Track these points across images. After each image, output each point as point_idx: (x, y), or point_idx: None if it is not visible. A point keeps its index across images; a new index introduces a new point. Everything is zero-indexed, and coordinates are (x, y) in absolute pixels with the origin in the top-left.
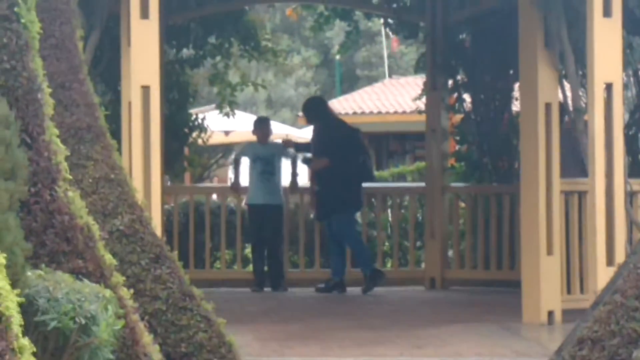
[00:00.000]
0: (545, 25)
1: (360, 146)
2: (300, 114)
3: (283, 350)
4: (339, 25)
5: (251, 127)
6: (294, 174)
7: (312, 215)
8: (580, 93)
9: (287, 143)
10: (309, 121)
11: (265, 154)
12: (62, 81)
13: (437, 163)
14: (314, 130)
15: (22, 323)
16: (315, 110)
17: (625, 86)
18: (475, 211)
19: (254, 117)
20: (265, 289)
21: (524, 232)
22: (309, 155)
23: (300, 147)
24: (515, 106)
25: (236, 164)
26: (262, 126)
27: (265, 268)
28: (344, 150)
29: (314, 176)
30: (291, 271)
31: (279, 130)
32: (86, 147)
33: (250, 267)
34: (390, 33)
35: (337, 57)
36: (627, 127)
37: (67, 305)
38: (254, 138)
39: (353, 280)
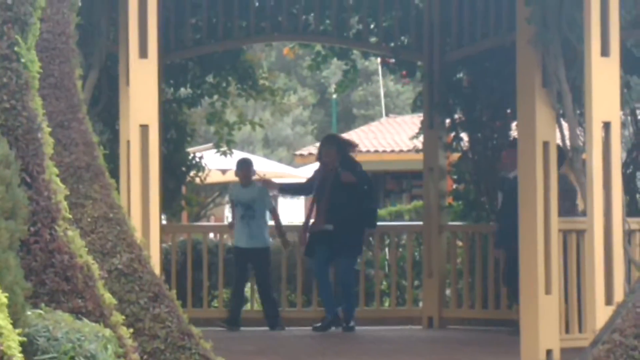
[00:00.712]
0: (543, 65)
1: (373, 192)
2: (298, 152)
3: None
4: (335, 64)
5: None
6: (280, 232)
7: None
8: (578, 132)
9: (268, 184)
10: (330, 157)
11: (245, 198)
12: (61, 120)
13: (434, 202)
14: (327, 169)
15: None
16: (342, 149)
17: (623, 125)
18: (473, 250)
19: (251, 156)
20: (262, 328)
21: (522, 271)
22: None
23: (285, 188)
24: None
25: (232, 203)
26: (242, 168)
27: (243, 307)
28: (362, 195)
29: (322, 215)
30: (288, 310)
31: (276, 170)
32: (85, 186)
33: (249, 306)
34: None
35: (334, 96)
36: (624, 166)
37: (67, 345)
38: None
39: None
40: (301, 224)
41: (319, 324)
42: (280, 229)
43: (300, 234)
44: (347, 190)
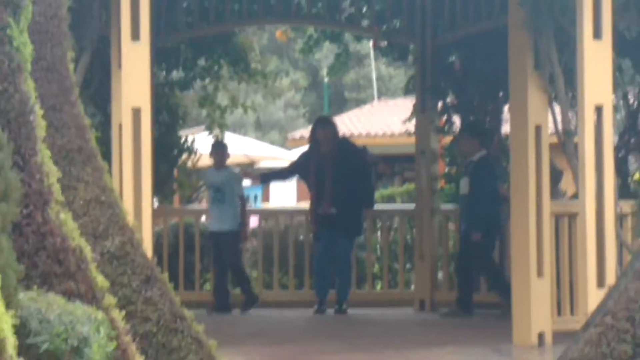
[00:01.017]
0: (536, 48)
1: (371, 173)
2: (291, 135)
3: None
4: (327, 47)
5: (240, 150)
6: (242, 221)
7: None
8: (570, 115)
9: (247, 174)
10: (327, 138)
11: (216, 181)
12: (53, 103)
13: (426, 185)
14: (322, 151)
15: (17, 344)
16: (335, 131)
17: (615, 108)
18: None
19: (243, 139)
20: (255, 311)
21: (514, 254)
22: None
23: (266, 176)
24: (505, 128)
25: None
26: (217, 151)
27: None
28: (363, 176)
29: (328, 198)
30: (281, 292)
31: (268, 153)
32: (77, 169)
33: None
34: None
35: (326, 79)
36: (616, 149)
37: (60, 327)
38: (243, 159)
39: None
40: (291, 207)
41: (317, 307)
42: (243, 219)
43: (309, 217)
44: (347, 172)
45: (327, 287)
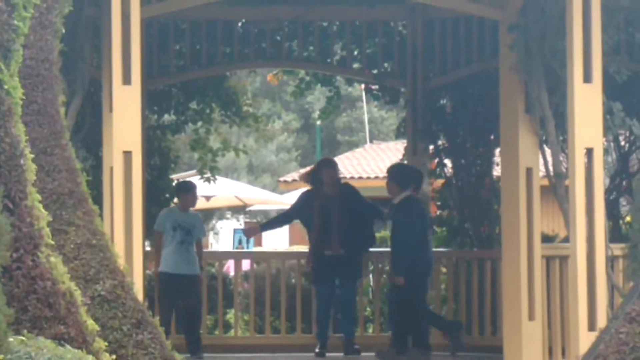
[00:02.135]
0: (526, 91)
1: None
2: (282, 179)
3: None
4: (319, 90)
5: (232, 193)
6: (199, 261)
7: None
8: (561, 158)
9: (249, 231)
10: (332, 181)
11: (186, 223)
12: (44, 147)
13: None
14: (328, 193)
15: None
16: (339, 173)
17: (606, 151)
18: (457, 276)
19: (235, 183)
20: (248, 354)
21: (505, 297)
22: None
23: (267, 225)
24: (496, 171)
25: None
26: (191, 193)
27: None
28: (366, 219)
29: (336, 240)
30: (273, 336)
31: (260, 197)
32: (68, 213)
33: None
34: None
35: (318, 122)
36: (608, 192)
37: None
38: (235, 202)
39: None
40: (283, 250)
41: (318, 350)
42: (200, 259)
43: (308, 258)
44: (353, 215)
45: (329, 331)
